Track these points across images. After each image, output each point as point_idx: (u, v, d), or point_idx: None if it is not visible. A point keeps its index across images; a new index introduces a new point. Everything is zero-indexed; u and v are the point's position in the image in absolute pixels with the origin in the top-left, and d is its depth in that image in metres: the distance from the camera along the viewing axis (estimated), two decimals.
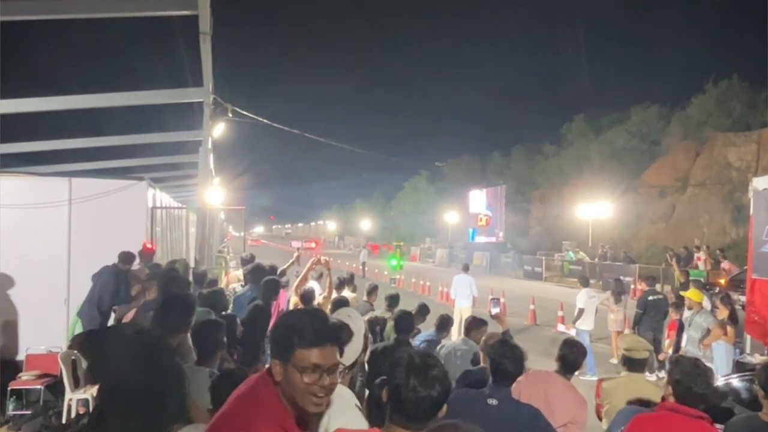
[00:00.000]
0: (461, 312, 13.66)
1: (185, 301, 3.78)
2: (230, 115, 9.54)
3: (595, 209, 33.51)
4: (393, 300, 7.47)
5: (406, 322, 5.29)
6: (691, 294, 8.46)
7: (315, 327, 1.85)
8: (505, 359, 3.24)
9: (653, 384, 4.35)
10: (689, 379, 3.01)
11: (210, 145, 10.08)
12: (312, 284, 7.92)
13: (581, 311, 11.20)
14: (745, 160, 30.28)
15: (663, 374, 9.98)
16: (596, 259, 30.91)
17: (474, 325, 5.51)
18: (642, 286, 11.67)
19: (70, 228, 8.68)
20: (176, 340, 3.62)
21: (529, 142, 52.47)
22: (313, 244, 60.54)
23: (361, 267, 32.66)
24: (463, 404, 3.11)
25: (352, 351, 2.61)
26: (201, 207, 10.43)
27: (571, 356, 4.08)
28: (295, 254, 8.72)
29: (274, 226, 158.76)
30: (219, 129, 10.15)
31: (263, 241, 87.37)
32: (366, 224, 72.00)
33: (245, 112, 9.95)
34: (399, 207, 65.60)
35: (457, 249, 46.10)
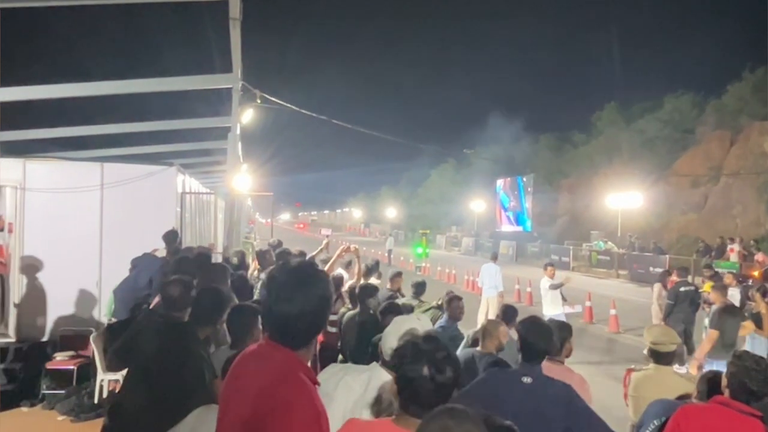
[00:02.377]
0: (488, 301, 13.59)
1: (216, 294, 3.80)
2: (259, 101, 9.55)
3: (625, 199, 32.90)
4: (419, 287, 7.43)
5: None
6: (708, 287, 8.40)
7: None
8: (536, 337, 3.23)
9: (683, 377, 4.25)
10: (745, 375, 2.94)
11: (238, 132, 10.12)
12: (340, 272, 7.93)
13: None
14: None
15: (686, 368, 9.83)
16: (624, 250, 30.47)
17: (510, 314, 5.44)
18: (674, 278, 11.39)
19: (102, 212, 8.82)
20: (205, 331, 3.66)
21: (558, 130, 51.85)
22: (301, 225, 61.81)
23: (387, 254, 32.70)
24: (498, 385, 3.11)
25: None
26: (229, 193, 10.50)
27: (557, 339, 4.01)
28: (324, 241, 8.69)
29: (300, 213, 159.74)
30: (248, 115, 10.17)
31: (300, 225, 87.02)
32: (392, 212, 71.99)
33: (274, 98, 9.95)
34: (425, 195, 65.42)
35: (483, 237, 45.86)
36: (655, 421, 3.24)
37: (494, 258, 14.59)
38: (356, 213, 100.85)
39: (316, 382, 1.93)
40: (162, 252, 7.65)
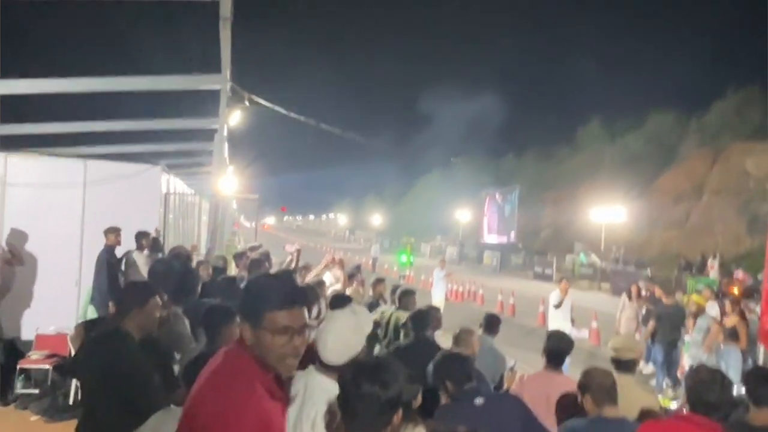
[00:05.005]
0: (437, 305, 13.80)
1: (136, 285, 3.77)
2: (247, 103, 9.51)
3: (609, 213, 33.22)
4: (404, 295, 7.41)
5: (423, 319, 5.22)
6: (696, 298, 8.58)
7: (282, 289, 1.90)
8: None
9: (642, 388, 4.28)
10: (703, 389, 2.96)
11: (225, 133, 10.07)
12: (327, 275, 7.93)
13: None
14: (763, 169, 29.92)
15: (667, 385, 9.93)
16: (606, 263, 30.70)
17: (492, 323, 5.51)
18: (660, 292, 11.46)
19: (84, 210, 8.71)
20: (128, 323, 3.41)
21: (543, 144, 52.26)
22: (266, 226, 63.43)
23: (371, 262, 32.55)
24: (453, 410, 3.14)
25: (349, 348, 2.48)
26: (214, 195, 10.44)
27: (556, 348, 4.17)
28: (288, 258, 8.40)
29: (285, 218, 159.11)
30: (235, 117, 10.14)
31: (265, 226, 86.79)
32: (377, 219, 72.07)
33: (262, 101, 9.91)
34: (411, 203, 65.61)
35: (467, 247, 45.99)
36: None
37: (441, 264, 15.02)
38: (342, 219, 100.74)
39: (275, 391, 1.84)
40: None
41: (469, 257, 43.63)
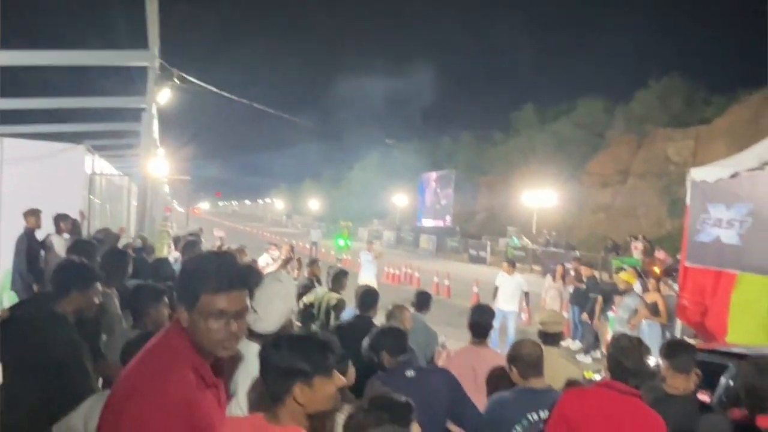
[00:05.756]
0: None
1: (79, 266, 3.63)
2: (177, 81, 9.16)
3: (540, 197, 34.31)
4: (338, 277, 7.41)
5: (369, 301, 5.23)
6: (624, 276, 8.94)
7: (220, 271, 1.75)
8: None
9: (567, 359, 4.47)
10: (621, 355, 3.09)
11: (154, 113, 9.70)
12: (263, 257, 7.86)
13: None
14: (683, 155, 31.51)
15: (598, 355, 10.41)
16: (537, 246, 31.68)
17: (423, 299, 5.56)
18: (587, 272, 11.98)
19: (0, 190, 8.24)
20: (63, 305, 3.32)
21: (479, 128, 53.21)
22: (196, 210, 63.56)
23: (311, 246, 32.27)
24: (386, 382, 3.16)
25: (278, 314, 2.50)
26: (143, 177, 10.08)
27: (479, 321, 4.28)
28: (218, 243, 8.37)
29: (220, 203, 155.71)
30: (164, 96, 9.76)
31: (195, 210, 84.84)
32: (315, 204, 71.56)
33: (193, 79, 9.59)
34: (348, 187, 65.47)
35: (404, 231, 46.38)
36: (529, 417, 3.27)
37: (369, 247, 15.31)
38: (279, 204, 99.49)
39: (209, 377, 1.77)
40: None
41: (406, 241, 44.03)
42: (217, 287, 1.73)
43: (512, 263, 11.24)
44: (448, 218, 44.38)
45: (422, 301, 5.53)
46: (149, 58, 8.42)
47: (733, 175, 7.09)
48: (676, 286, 9.25)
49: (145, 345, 1.82)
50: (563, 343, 11.08)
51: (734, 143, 23.86)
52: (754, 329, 6.76)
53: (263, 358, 1.89)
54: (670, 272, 14.62)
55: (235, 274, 1.78)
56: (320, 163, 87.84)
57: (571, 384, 3.71)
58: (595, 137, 39.78)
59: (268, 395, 1.89)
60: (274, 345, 1.91)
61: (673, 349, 3.65)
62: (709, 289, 7.58)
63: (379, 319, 4.98)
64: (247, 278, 1.85)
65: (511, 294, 10.69)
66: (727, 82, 37.13)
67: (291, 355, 1.86)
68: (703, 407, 3.55)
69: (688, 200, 7.85)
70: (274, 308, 2.46)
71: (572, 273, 12.33)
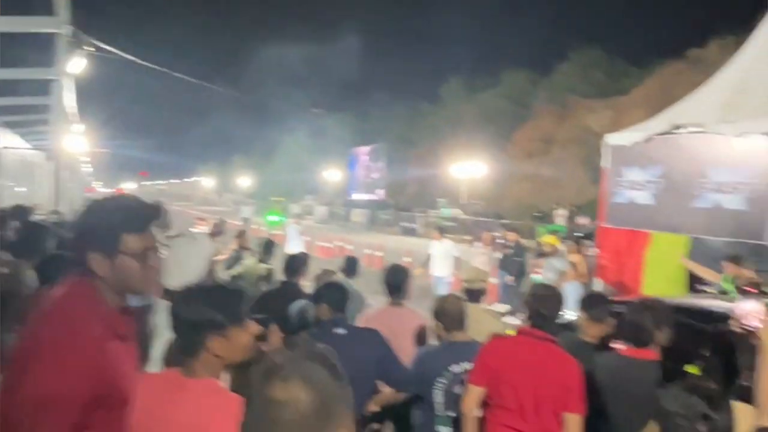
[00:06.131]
0: None
1: None
2: (89, 48, 8.53)
3: (469, 168, 34.97)
4: (267, 247, 7.34)
5: (295, 265, 5.20)
6: (548, 239, 9.32)
7: (138, 210, 1.81)
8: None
9: (490, 315, 4.65)
10: (539, 302, 3.23)
11: (66, 84, 9.15)
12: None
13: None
14: (603, 125, 32.76)
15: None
16: (467, 216, 32.41)
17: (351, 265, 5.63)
18: (512, 237, 12.38)
19: None
20: None
21: (408, 101, 53.38)
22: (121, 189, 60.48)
23: (241, 223, 31.71)
24: (317, 338, 3.23)
25: (195, 272, 2.48)
26: (56, 153, 9.55)
27: (393, 280, 4.33)
28: None
29: (144, 182, 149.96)
30: (77, 66, 9.11)
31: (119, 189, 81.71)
32: (245, 181, 70.16)
33: (107, 47, 8.97)
34: (279, 162, 64.43)
35: (336, 206, 46.31)
36: (452, 369, 3.41)
37: (295, 221, 16.06)
38: (208, 182, 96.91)
39: (120, 326, 1.74)
40: None
41: (338, 216, 44.00)
42: (140, 226, 1.77)
43: (441, 230, 11.53)
44: (381, 192, 44.60)
45: (350, 266, 5.55)
46: (57, 24, 7.86)
47: (647, 140, 7.46)
48: (593, 249, 9.72)
49: (51, 297, 1.76)
50: (492, 307, 11.48)
51: (651, 113, 25.03)
52: (666, 283, 7.21)
53: (174, 312, 1.85)
54: (590, 236, 15.30)
55: (150, 211, 1.84)
56: (248, 139, 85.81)
57: (494, 337, 3.86)
58: (520, 108, 40.70)
59: (183, 349, 1.86)
60: (184, 298, 1.88)
61: (590, 301, 3.87)
62: (625, 248, 8.00)
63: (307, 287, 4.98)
64: (159, 213, 1.89)
65: (441, 260, 10.93)
66: (644, 53, 38.66)
67: (202, 307, 1.84)
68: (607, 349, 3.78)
69: (603, 164, 8.21)
70: (190, 265, 2.44)
71: (500, 240, 12.71)
